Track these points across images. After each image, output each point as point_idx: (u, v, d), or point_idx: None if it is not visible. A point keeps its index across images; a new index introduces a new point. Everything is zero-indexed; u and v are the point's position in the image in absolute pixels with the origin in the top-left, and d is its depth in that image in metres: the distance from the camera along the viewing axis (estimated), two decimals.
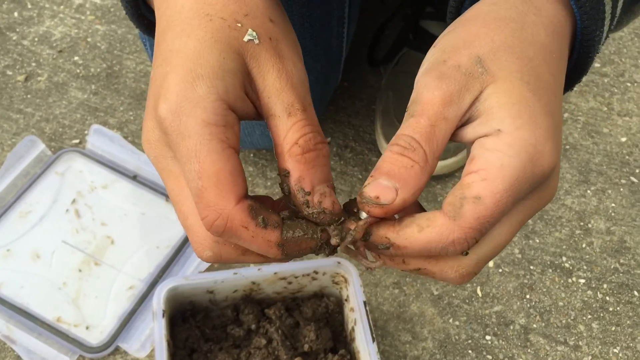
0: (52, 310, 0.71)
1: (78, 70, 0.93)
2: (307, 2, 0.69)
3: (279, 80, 0.37)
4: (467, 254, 0.36)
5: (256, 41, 0.37)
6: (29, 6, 1.00)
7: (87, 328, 0.70)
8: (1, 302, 0.71)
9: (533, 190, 0.36)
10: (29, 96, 0.90)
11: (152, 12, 0.44)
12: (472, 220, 0.34)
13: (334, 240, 0.37)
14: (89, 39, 0.97)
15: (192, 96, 0.35)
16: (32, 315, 0.70)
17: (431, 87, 0.36)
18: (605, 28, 0.42)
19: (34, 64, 0.94)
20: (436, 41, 0.40)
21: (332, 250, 0.38)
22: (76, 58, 0.95)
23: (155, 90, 0.37)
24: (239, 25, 0.37)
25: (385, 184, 0.35)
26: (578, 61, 0.43)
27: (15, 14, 0.99)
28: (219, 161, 0.34)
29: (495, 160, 0.34)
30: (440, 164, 0.82)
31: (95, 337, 0.70)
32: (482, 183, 0.34)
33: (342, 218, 0.37)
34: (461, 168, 0.86)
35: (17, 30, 0.97)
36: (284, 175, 0.36)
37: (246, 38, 0.37)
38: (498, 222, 0.36)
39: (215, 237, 0.37)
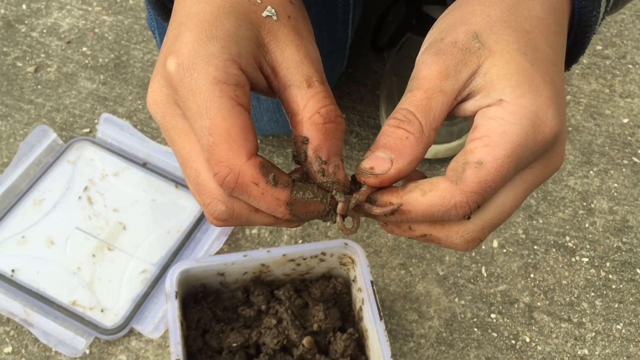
0: (68, 294, 0.73)
1: (87, 61, 0.95)
2: None
3: (297, 53, 0.38)
4: (469, 218, 0.37)
5: (274, 17, 0.38)
6: None
7: (101, 311, 0.72)
8: (18, 287, 0.73)
9: (538, 158, 0.37)
10: (39, 87, 0.92)
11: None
12: (474, 184, 0.35)
13: (340, 204, 0.38)
14: (96, 30, 0.98)
15: (204, 53, 0.35)
16: (48, 300, 0.72)
17: (428, 63, 0.37)
18: (602, 9, 0.43)
19: (43, 55, 0.95)
20: (435, 22, 0.41)
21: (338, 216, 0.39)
22: (84, 49, 0.96)
23: (166, 49, 0.37)
24: (259, 1, 0.38)
25: (380, 155, 0.37)
26: (576, 41, 0.44)
27: (24, 6, 1.01)
28: (229, 117, 0.35)
29: (498, 127, 0.35)
30: (444, 146, 0.83)
31: (110, 319, 0.72)
32: (485, 149, 0.35)
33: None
34: None
35: (26, 22, 0.99)
36: (301, 142, 0.37)
37: (265, 14, 0.38)
38: (502, 189, 0.37)
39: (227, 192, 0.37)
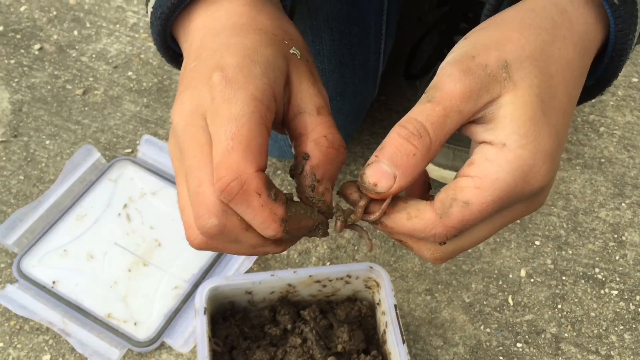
0: (104, 306, 0.76)
1: (131, 85, 1.00)
2: (347, 19, 0.73)
3: (312, 87, 0.42)
4: (444, 244, 0.40)
5: (298, 56, 0.42)
6: (88, 25, 1.07)
7: (135, 324, 0.75)
8: (58, 298, 0.76)
9: (524, 201, 0.40)
10: (86, 109, 0.97)
11: (177, 44, 0.49)
12: (456, 221, 0.38)
13: (339, 223, 0.41)
14: (142, 56, 1.03)
15: (247, 73, 0.38)
16: (85, 311, 0.76)
17: (454, 79, 0.38)
18: (637, 33, 0.44)
19: (91, 79, 1.00)
20: (468, 33, 0.43)
21: (324, 232, 0.42)
22: (130, 73, 1.01)
23: (206, 67, 0.39)
24: (286, 42, 0.42)
25: (385, 169, 0.38)
26: (609, 65, 0.45)
27: (75, 32, 1.07)
28: (254, 131, 0.37)
29: (492, 172, 0.37)
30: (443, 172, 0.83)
31: (143, 332, 0.74)
32: (474, 190, 0.37)
33: (333, 210, 0.42)
34: None
35: (77, 47, 1.05)
36: (302, 157, 0.40)
37: (291, 51, 0.42)
38: (489, 220, 0.39)
39: (224, 206, 0.38)
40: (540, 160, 0.37)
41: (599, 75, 0.46)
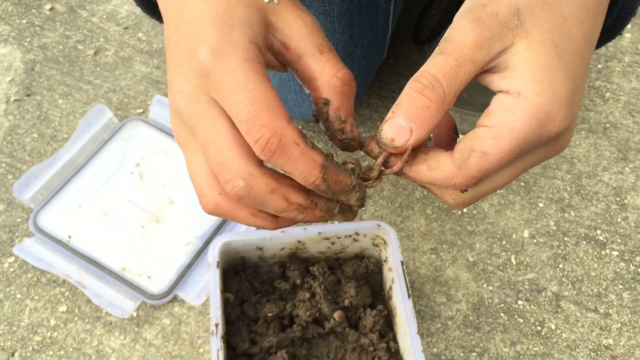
0: (118, 260, 0.78)
1: (142, 46, 1.01)
2: None
3: (305, 27, 0.43)
4: (465, 191, 0.41)
5: (275, 1, 0.43)
6: None
7: (149, 277, 0.77)
8: (73, 251, 0.79)
9: (542, 146, 0.40)
10: (97, 69, 0.98)
11: None
12: (475, 171, 0.39)
13: (371, 173, 0.43)
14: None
15: (229, 39, 0.39)
16: (100, 265, 0.78)
17: (466, 29, 0.39)
18: None
19: (102, 40, 1.01)
20: None
21: (361, 198, 0.43)
22: (140, 34, 1.02)
23: (188, 44, 0.40)
24: None
25: (401, 124, 0.39)
26: (625, 4, 0.44)
27: None
28: (265, 89, 0.39)
29: (509, 121, 0.38)
30: None
31: (156, 285, 0.77)
32: (492, 140, 0.38)
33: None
34: None
35: (87, 8, 1.05)
36: (323, 103, 0.42)
37: (265, 1, 0.42)
38: (509, 166, 0.41)
39: (249, 169, 0.40)
40: (557, 106, 0.38)
41: (616, 14, 0.45)
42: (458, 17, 0.40)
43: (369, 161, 0.85)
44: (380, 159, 0.42)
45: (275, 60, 0.44)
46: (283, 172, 0.41)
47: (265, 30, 0.42)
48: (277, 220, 0.45)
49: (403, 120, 0.39)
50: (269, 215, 0.44)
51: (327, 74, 0.42)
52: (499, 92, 0.40)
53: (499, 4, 0.39)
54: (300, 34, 0.42)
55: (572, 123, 0.41)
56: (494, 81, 0.40)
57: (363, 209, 0.85)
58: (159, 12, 0.48)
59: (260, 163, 0.41)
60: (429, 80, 0.39)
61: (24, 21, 1.03)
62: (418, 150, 0.42)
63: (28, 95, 0.95)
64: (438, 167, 0.40)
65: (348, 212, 0.45)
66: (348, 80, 0.42)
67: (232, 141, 0.40)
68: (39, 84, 0.96)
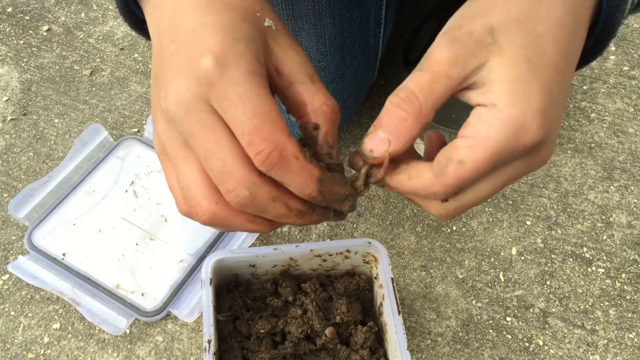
0: (112, 278, 0.79)
1: (137, 66, 1.02)
2: (347, 4, 0.76)
3: (298, 56, 0.44)
4: (446, 201, 0.43)
5: (274, 27, 0.44)
6: (95, 8, 1.10)
7: (142, 295, 0.78)
8: (68, 269, 0.80)
9: (520, 157, 0.42)
10: (93, 89, 0.99)
11: (141, 10, 0.49)
12: (452, 179, 0.41)
13: (356, 184, 0.45)
14: None
15: (234, 51, 0.40)
16: (94, 282, 0.79)
17: (442, 47, 0.41)
18: None
19: (98, 60, 1.03)
20: (460, 8, 0.44)
21: (353, 205, 0.46)
22: (136, 55, 1.04)
23: (189, 52, 0.40)
24: (258, 14, 0.44)
25: (380, 136, 0.41)
26: (604, 26, 0.45)
27: (82, 14, 1.09)
28: (268, 103, 0.40)
29: (484, 131, 0.40)
30: None
31: (150, 302, 0.78)
32: (468, 149, 0.40)
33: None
34: None
35: (84, 29, 1.07)
36: (313, 127, 0.44)
37: (265, 24, 0.44)
38: (482, 179, 0.42)
39: (252, 178, 0.41)
40: (530, 117, 0.39)
41: (597, 35, 0.46)
42: (437, 38, 0.42)
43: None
44: (363, 169, 0.44)
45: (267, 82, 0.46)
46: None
47: (265, 50, 0.43)
48: (272, 224, 0.47)
49: (382, 133, 0.41)
50: (264, 219, 0.46)
51: (318, 100, 0.44)
52: (477, 105, 0.42)
53: (474, 23, 0.41)
54: (294, 62, 0.44)
55: (550, 135, 0.42)
56: (473, 97, 0.42)
57: (354, 226, 0.86)
58: (146, 28, 0.48)
59: (260, 172, 0.42)
60: (406, 94, 0.41)
61: (21, 42, 1.05)
62: (400, 161, 0.44)
63: (24, 114, 0.96)
64: (417, 176, 0.42)
65: (341, 215, 0.48)
66: (336, 110, 0.44)
67: (234, 151, 0.40)
68: (36, 104, 0.97)
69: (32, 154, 0.92)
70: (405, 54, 1.00)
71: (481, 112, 0.41)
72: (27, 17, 1.08)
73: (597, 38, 0.46)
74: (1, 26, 1.07)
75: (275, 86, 0.45)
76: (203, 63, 0.39)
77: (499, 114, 0.40)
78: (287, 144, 0.40)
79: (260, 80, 0.40)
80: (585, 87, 1.02)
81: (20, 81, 1.00)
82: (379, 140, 0.42)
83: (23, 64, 1.02)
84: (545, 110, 0.40)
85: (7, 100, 0.98)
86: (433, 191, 0.42)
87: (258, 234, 0.84)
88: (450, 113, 0.88)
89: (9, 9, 1.09)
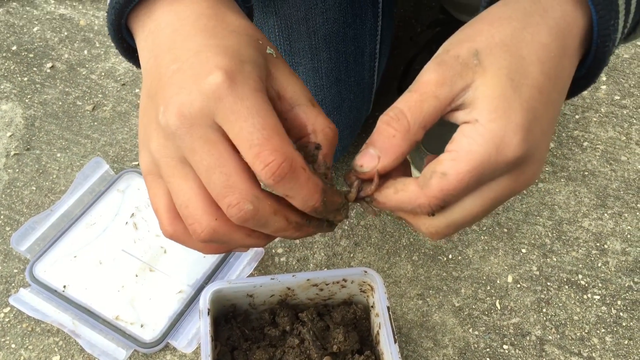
0: (112, 309, 0.80)
1: (139, 101, 1.05)
2: (343, 39, 0.79)
3: (298, 82, 0.46)
4: (433, 215, 0.44)
5: (274, 55, 0.46)
6: (97, 45, 1.13)
7: (141, 326, 0.79)
8: (68, 301, 0.81)
9: (504, 174, 0.43)
10: (95, 123, 1.02)
11: (132, 38, 0.50)
12: (436, 191, 0.42)
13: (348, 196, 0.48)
14: None
15: (242, 70, 0.41)
16: (94, 313, 0.80)
17: (430, 70, 0.43)
18: (620, 22, 0.45)
19: (100, 96, 1.06)
20: (450, 37, 0.47)
21: (347, 213, 0.48)
22: (137, 90, 1.06)
23: (195, 70, 0.41)
24: (260, 42, 0.46)
25: (370, 152, 0.44)
26: (596, 55, 0.46)
27: (85, 52, 1.12)
28: (274, 117, 0.41)
29: (466, 145, 0.41)
30: None
31: (149, 334, 0.78)
32: (451, 162, 0.42)
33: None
34: None
35: (87, 66, 1.10)
36: (315, 147, 0.46)
37: (267, 51, 0.46)
38: (468, 196, 0.43)
39: (255, 192, 0.42)
40: (512, 132, 0.41)
41: (589, 64, 0.47)
42: (427, 63, 0.44)
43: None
44: (355, 183, 0.46)
45: None
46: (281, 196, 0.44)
47: (266, 75, 0.45)
48: (268, 238, 0.48)
49: (372, 149, 0.44)
50: (261, 234, 0.47)
51: (321, 123, 0.46)
52: (462, 123, 0.43)
53: (460, 47, 0.43)
54: (296, 86, 0.46)
55: (534, 153, 0.43)
56: (460, 117, 0.44)
57: (351, 255, 0.87)
58: (137, 56, 0.49)
59: (261, 186, 0.43)
60: (395, 113, 0.43)
61: (25, 79, 1.07)
62: (389, 177, 0.46)
63: (28, 149, 0.98)
64: (403, 189, 0.44)
65: (332, 225, 0.50)
66: (336, 134, 0.47)
67: (237, 166, 0.41)
68: (39, 139, 0.99)
69: (34, 188, 0.94)
70: (400, 85, 1.02)
71: (465, 128, 0.42)
72: (31, 55, 1.11)
73: (589, 66, 0.48)
74: (6, 64, 1.10)
75: (277, 110, 0.46)
76: (212, 79, 0.40)
77: (480, 129, 0.41)
78: (295, 154, 0.41)
79: (265, 97, 0.42)
80: (577, 117, 1.04)
81: (24, 117, 1.02)
82: (369, 156, 0.44)
83: (27, 100, 1.04)
84: (527, 127, 0.42)
85: (10, 136, 1.00)
86: (418, 203, 0.43)
87: (256, 264, 0.85)
88: (443, 136, 0.89)
89: (14, 47, 1.12)
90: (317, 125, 0.46)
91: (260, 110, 0.41)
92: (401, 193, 0.44)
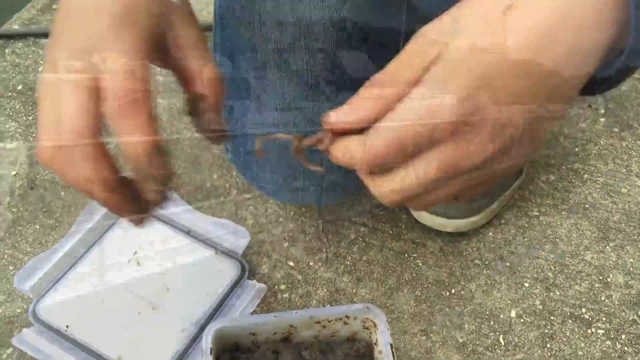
0: (115, 349, 0.80)
1: None
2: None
3: (193, 29, 0.51)
4: (375, 173, 0.46)
5: (180, 4, 0.50)
6: None
7: None
8: (70, 341, 0.80)
9: (448, 140, 0.42)
10: None
11: None
12: (370, 145, 0.44)
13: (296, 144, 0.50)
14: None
15: (132, 17, 0.47)
16: (96, 354, 0.79)
17: (412, 41, 0.45)
18: None
19: (104, 134, 1.07)
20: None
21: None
22: None
23: (94, 9, 0.46)
24: None
25: (343, 108, 0.46)
26: (633, 46, 0.43)
27: None
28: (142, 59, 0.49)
29: (402, 105, 0.43)
30: (465, 221, 0.90)
31: None
32: (386, 121, 0.43)
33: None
34: (482, 227, 0.93)
35: None
36: (200, 99, 0.50)
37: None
38: (410, 161, 0.44)
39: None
40: (448, 97, 0.41)
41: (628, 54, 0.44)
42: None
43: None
44: (318, 134, 0.48)
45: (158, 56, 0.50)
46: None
47: (162, 25, 0.48)
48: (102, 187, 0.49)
49: (345, 107, 0.45)
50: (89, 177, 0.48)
51: (207, 73, 0.49)
52: None
53: (446, 15, 0.45)
54: (190, 35, 0.50)
55: (480, 122, 0.42)
56: None
57: (354, 291, 0.87)
58: None
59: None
60: (371, 80, 0.45)
61: (30, 118, 1.09)
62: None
63: (32, 188, 0.99)
64: (349, 146, 0.45)
65: (145, 210, 0.52)
66: (222, 82, 0.50)
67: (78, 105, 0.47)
68: (43, 177, 1.00)
69: (38, 227, 0.94)
70: None
71: (412, 92, 0.43)
72: (36, 94, 1.12)
73: (629, 55, 0.43)
74: (12, 103, 1.12)
75: (172, 57, 0.50)
76: (101, 20, 0.46)
77: (419, 89, 0.43)
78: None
79: (146, 47, 0.46)
80: (577, 149, 1.04)
81: (28, 156, 1.03)
82: (340, 112, 0.46)
83: (32, 139, 1.06)
84: (468, 92, 0.41)
85: (15, 175, 1.01)
86: (359, 157, 0.44)
87: (259, 301, 0.85)
88: None
89: (19, 87, 1.14)
90: (204, 75, 0.49)
91: (130, 52, 0.46)
92: (348, 150, 0.46)
